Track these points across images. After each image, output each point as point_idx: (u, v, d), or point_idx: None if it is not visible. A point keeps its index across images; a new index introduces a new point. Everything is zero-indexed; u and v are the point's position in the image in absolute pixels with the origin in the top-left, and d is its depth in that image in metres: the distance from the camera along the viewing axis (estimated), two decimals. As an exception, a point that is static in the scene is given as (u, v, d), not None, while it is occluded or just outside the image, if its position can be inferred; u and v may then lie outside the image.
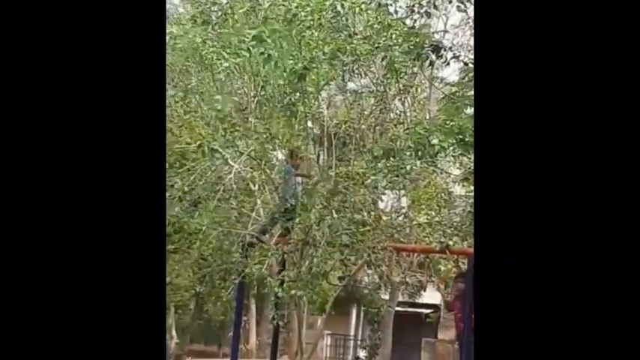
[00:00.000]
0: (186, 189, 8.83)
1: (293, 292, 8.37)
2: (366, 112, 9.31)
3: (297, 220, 8.67)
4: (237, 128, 9.05)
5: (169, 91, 9.26)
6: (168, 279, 9.72)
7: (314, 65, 7.75)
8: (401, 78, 8.85)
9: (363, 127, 9.15)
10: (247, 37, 7.81)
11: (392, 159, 8.29)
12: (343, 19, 8.26)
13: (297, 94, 8.54)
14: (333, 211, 8.60)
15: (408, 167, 7.87)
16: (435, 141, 6.17)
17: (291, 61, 7.87)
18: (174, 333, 16.37)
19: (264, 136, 9.07)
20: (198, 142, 8.39)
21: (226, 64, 8.08)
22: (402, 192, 9.85)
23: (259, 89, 9.26)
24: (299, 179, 8.93)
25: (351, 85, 10.12)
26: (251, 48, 7.64)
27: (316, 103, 9.11)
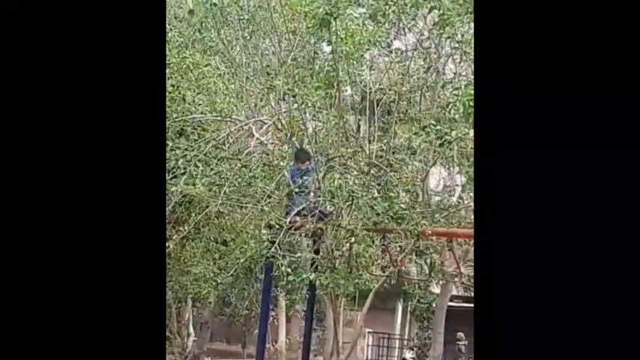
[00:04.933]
0: (203, 160, 7.75)
1: (330, 285, 7.40)
2: (412, 75, 8.16)
3: (332, 200, 7.52)
4: (262, 93, 7.94)
5: (186, 52, 8.18)
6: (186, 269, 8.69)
7: (339, 11, 6.75)
8: (453, 34, 7.65)
9: (406, 89, 8.02)
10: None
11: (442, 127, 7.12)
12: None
13: (331, 54, 7.42)
14: (375, 190, 7.65)
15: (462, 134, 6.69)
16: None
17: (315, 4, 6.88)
18: (191, 330, 14.81)
19: (294, 104, 7.94)
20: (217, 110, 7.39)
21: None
22: (456, 169, 8.74)
23: (289, 48, 8.13)
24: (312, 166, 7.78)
25: (395, 44, 8.94)
26: None
27: (357, 65, 8.03)
